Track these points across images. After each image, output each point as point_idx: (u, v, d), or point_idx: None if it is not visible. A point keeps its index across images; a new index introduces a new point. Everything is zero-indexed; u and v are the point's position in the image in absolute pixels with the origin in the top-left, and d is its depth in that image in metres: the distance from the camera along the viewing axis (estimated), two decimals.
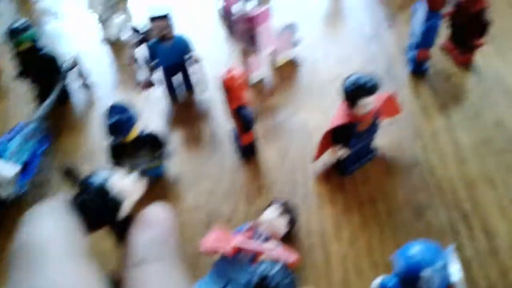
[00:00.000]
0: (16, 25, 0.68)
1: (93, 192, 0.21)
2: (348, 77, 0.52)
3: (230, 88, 0.57)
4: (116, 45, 0.86)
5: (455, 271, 0.40)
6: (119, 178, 0.22)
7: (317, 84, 0.73)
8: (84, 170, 0.59)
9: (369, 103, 0.51)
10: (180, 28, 0.68)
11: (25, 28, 0.68)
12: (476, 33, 0.67)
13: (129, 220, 0.22)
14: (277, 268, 0.38)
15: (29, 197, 0.63)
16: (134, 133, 0.57)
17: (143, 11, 0.74)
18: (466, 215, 0.54)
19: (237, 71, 0.57)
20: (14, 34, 0.68)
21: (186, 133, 0.69)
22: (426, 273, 0.38)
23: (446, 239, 0.52)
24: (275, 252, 0.47)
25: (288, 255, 0.47)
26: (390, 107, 0.58)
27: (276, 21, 0.72)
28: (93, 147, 0.68)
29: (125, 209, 0.22)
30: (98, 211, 0.21)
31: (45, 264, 0.17)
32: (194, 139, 0.68)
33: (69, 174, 0.22)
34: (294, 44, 0.76)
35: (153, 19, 0.66)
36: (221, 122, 0.69)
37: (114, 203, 0.21)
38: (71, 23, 0.94)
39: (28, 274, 0.17)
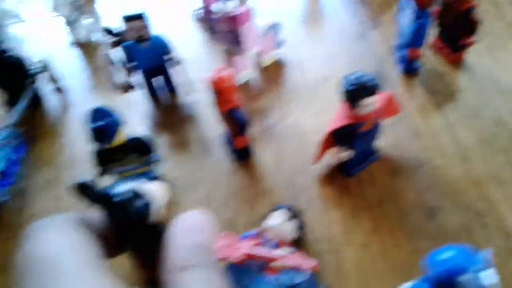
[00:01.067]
0: None
1: (120, 205, 0.20)
2: (346, 77, 0.49)
3: (220, 90, 0.52)
4: (86, 48, 0.80)
5: (490, 275, 0.37)
6: (143, 186, 0.21)
7: (305, 85, 0.70)
8: (65, 177, 0.51)
9: (371, 103, 0.49)
10: (156, 29, 0.64)
11: None
12: (466, 32, 0.66)
13: (156, 232, 0.21)
14: (303, 276, 0.34)
15: (10, 207, 0.56)
16: (120, 137, 0.51)
17: (113, 12, 0.69)
18: (480, 214, 0.52)
19: (227, 71, 0.52)
20: None
21: (173, 138, 0.64)
22: (463, 278, 0.35)
23: (461, 240, 0.50)
24: (291, 259, 0.43)
25: (304, 262, 0.42)
26: (390, 106, 0.55)
27: (259, 21, 0.68)
28: (72, 154, 0.62)
29: (155, 215, 0.20)
30: (127, 218, 0.20)
31: (60, 277, 0.16)
32: (183, 143, 0.63)
33: (84, 189, 0.20)
34: (279, 44, 0.73)
35: (127, 19, 0.61)
36: (209, 125, 0.65)
37: (142, 212, 0.20)
38: (37, 26, 0.87)
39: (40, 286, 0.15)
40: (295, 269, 0.37)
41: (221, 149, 0.61)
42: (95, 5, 0.88)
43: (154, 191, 0.21)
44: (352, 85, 0.48)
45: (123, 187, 0.20)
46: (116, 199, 0.20)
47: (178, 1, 0.89)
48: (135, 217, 0.20)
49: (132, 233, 0.21)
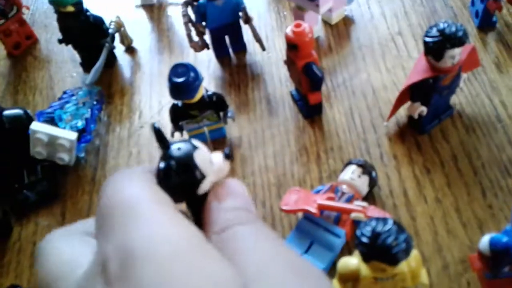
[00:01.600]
0: None
1: (177, 164, 0.20)
2: (431, 27, 0.48)
3: (298, 43, 0.53)
4: (153, 9, 0.82)
5: None
6: (206, 153, 0.21)
7: (376, 42, 0.69)
8: (137, 136, 0.54)
9: (456, 55, 0.47)
10: None
11: None
12: None
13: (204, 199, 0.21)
14: (389, 224, 0.35)
15: (87, 163, 0.60)
16: (199, 94, 0.53)
17: None
18: None
19: (306, 25, 0.53)
20: None
21: (242, 97, 0.65)
22: None
23: None
24: (368, 211, 0.44)
25: (382, 214, 0.44)
26: (472, 59, 0.54)
27: None
28: (144, 113, 0.65)
29: (206, 186, 0.21)
30: (179, 183, 0.21)
31: (139, 219, 0.17)
32: (252, 103, 0.64)
33: (158, 134, 0.21)
34: (349, 0, 0.72)
35: None
36: (277, 83, 0.66)
37: (196, 178, 0.21)
38: None
39: (123, 229, 0.16)
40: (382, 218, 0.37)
41: (289, 108, 0.62)
42: None
43: (212, 165, 0.21)
44: (437, 36, 0.47)
45: (185, 150, 0.21)
46: (173, 159, 0.20)
47: None
48: (183, 188, 0.21)
49: (181, 197, 0.21)
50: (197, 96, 0.53)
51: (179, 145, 0.21)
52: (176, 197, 0.20)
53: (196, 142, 0.22)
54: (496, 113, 0.57)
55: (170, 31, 0.77)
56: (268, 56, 0.69)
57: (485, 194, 0.50)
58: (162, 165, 0.21)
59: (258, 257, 0.17)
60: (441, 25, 0.47)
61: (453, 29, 0.46)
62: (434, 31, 0.47)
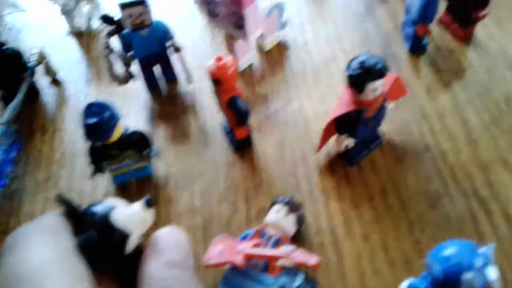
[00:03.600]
0: None
1: (95, 234, 0.19)
2: (352, 60, 0.47)
3: (221, 78, 0.51)
4: (84, 37, 0.79)
5: (491, 270, 0.36)
6: (124, 209, 0.20)
7: (310, 68, 0.67)
8: (62, 176, 0.50)
9: (378, 87, 0.46)
10: (154, 14, 0.62)
11: None
12: (477, 4, 0.63)
13: (136, 255, 0.20)
14: (298, 280, 0.33)
15: (1, 209, 0.56)
16: (117, 133, 0.51)
17: None
18: (484, 201, 0.50)
19: (228, 59, 0.51)
20: None
21: (173, 129, 0.63)
22: (467, 276, 0.34)
23: (466, 229, 0.48)
24: (293, 257, 0.42)
25: (307, 258, 0.42)
26: (397, 88, 0.53)
27: (262, 2, 0.66)
28: (71, 150, 0.62)
29: (133, 243, 0.20)
30: (104, 253, 0.19)
31: None
32: (182, 135, 0.62)
33: (66, 206, 0.20)
34: (282, 25, 0.70)
35: (127, 5, 0.59)
36: (210, 115, 0.64)
37: (119, 241, 0.20)
38: (33, 14, 0.86)
39: None
40: (296, 269, 0.36)
41: (220, 141, 0.60)
42: None
43: (135, 220, 0.20)
44: (357, 69, 0.46)
45: (102, 210, 0.20)
46: (92, 224, 0.19)
47: None
48: (110, 255, 0.20)
49: (109, 264, 0.20)
50: (115, 136, 0.51)
51: (92, 210, 0.20)
52: (104, 265, 0.19)
53: (111, 201, 0.20)
54: (425, 142, 0.56)
55: (100, 60, 0.74)
56: (200, 86, 0.67)
57: (412, 229, 0.49)
58: (79, 240, 0.19)
59: None
60: (361, 58, 0.46)
61: (373, 61, 0.45)
62: (354, 64, 0.46)
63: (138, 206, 0.22)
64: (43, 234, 0.18)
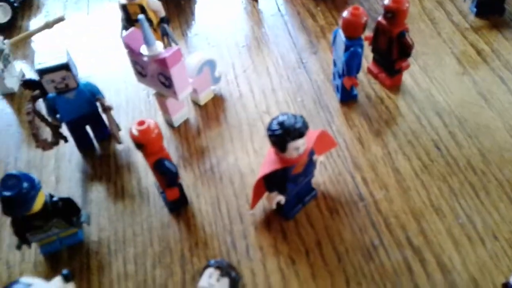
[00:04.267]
0: None
1: None
2: (272, 120, 0.47)
3: (144, 142, 0.49)
4: (16, 99, 0.76)
5: None
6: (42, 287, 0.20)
7: (245, 120, 0.68)
8: None
9: (300, 146, 0.47)
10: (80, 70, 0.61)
11: None
12: (400, 56, 0.66)
13: None
14: None
15: None
16: (39, 203, 0.48)
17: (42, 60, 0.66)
18: (418, 251, 0.50)
19: (150, 121, 0.50)
20: None
21: (106, 190, 0.61)
22: None
23: (402, 280, 0.48)
24: None
25: None
26: (325, 142, 0.54)
27: (191, 59, 0.66)
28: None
29: None
30: None
31: None
32: (116, 196, 0.60)
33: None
34: (216, 80, 0.71)
35: (46, 71, 0.56)
36: (145, 173, 0.62)
37: None
38: None
39: None
40: None
41: (154, 201, 0.59)
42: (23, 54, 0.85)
43: None
44: (277, 129, 0.46)
45: None
46: None
47: (100, 42, 0.86)
48: None
49: None
50: (36, 207, 0.48)
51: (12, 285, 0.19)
52: None
53: (27, 279, 0.19)
54: (358, 192, 0.57)
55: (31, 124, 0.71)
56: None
57: (349, 284, 0.48)
58: None
59: None
60: (281, 118, 0.46)
61: (292, 121, 0.46)
62: (274, 125, 0.46)
63: (56, 283, 0.20)
64: None
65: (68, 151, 0.66)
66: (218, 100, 0.72)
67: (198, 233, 0.55)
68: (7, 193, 0.45)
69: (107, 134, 0.67)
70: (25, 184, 0.46)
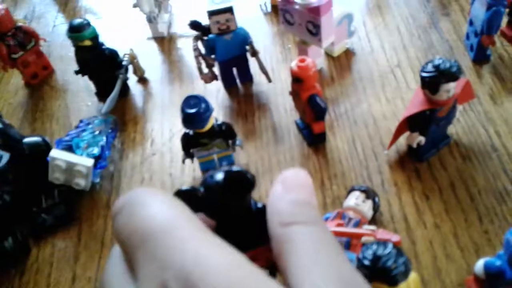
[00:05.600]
0: (77, 22, 0.68)
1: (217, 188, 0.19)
2: (426, 63, 0.52)
3: (303, 77, 0.56)
4: (165, 42, 0.86)
5: None
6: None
7: (377, 73, 0.72)
8: (154, 160, 0.57)
9: (451, 89, 0.51)
10: None
11: (85, 25, 0.68)
12: None
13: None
14: (389, 248, 0.38)
15: (102, 188, 0.64)
16: (210, 123, 0.57)
17: (191, 7, 0.74)
18: None
19: (309, 60, 0.56)
20: (75, 31, 0.68)
21: (248, 126, 0.69)
22: None
23: None
24: (378, 234, 0.46)
25: (390, 236, 0.46)
26: (466, 92, 0.57)
27: (333, 12, 0.71)
28: (159, 139, 0.69)
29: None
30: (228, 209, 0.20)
31: (180, 244, 0.15)
32: (257, 131, 0.68)
33: (185, 197, 0.20)
34: (350, 34, 0.76)
35: (214, 12, 0.65)
36: (282, 113, 0.69)
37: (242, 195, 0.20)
38: (116, 22, 0.94)
39: (164, 255, 0.15)
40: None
41: (294, 136, 0.65)
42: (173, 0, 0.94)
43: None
44: (432, 71, 0.50)
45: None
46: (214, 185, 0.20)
47: None
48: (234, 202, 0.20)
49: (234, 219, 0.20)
50: (208, 126, 0.57)
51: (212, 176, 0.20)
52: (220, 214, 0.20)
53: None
54: (491, 143, 0.60)
55: (180, 62, 0.81)
56: (274, 86, 0.73)
57: (482, 220, 0.53)
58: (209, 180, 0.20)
59: (316, 276, 0.16)
60: (436, 61, 0.50)
61: (448, 65, 0.50)
62: (429, 67, 0.51)
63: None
64: (159, 194, 0.18)
65: (215, 89, 0.75)
66: (350, 54, 0.77)
67: (335, 166, 0.61)
68: (189, 110, 0.54)
69: (250, 76, 0.74)
70: (203, 105, 0.55)
